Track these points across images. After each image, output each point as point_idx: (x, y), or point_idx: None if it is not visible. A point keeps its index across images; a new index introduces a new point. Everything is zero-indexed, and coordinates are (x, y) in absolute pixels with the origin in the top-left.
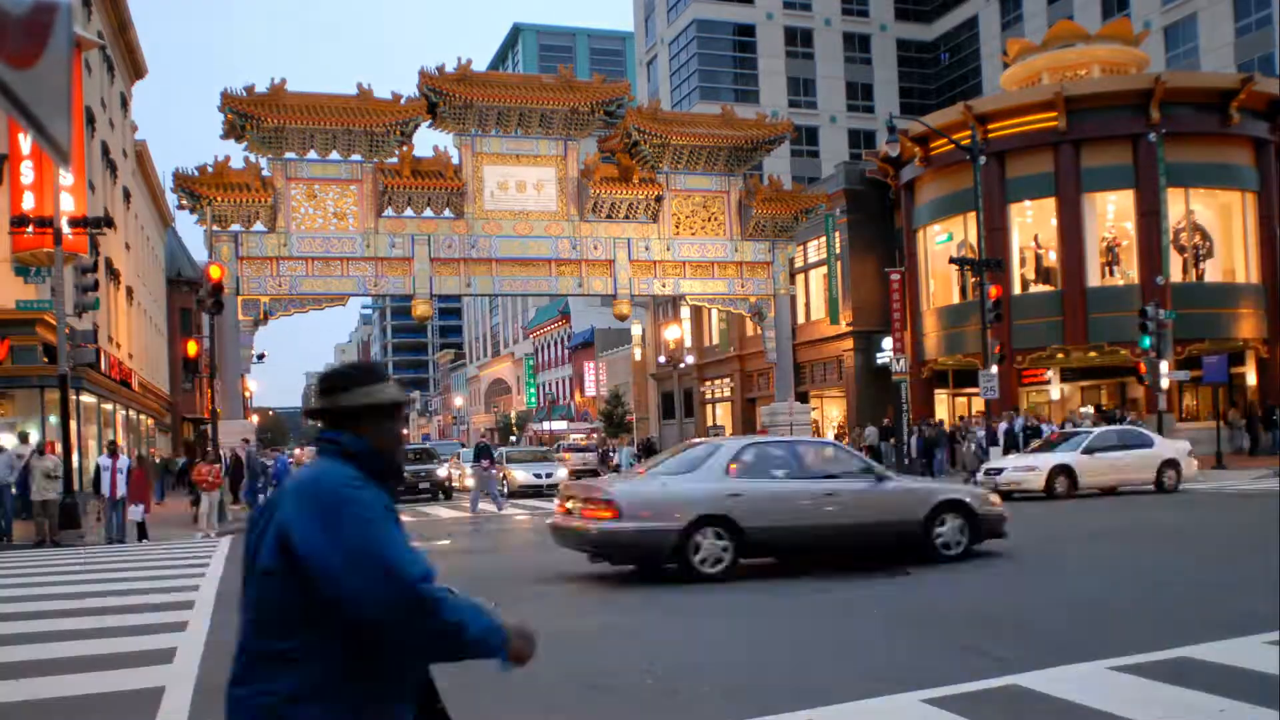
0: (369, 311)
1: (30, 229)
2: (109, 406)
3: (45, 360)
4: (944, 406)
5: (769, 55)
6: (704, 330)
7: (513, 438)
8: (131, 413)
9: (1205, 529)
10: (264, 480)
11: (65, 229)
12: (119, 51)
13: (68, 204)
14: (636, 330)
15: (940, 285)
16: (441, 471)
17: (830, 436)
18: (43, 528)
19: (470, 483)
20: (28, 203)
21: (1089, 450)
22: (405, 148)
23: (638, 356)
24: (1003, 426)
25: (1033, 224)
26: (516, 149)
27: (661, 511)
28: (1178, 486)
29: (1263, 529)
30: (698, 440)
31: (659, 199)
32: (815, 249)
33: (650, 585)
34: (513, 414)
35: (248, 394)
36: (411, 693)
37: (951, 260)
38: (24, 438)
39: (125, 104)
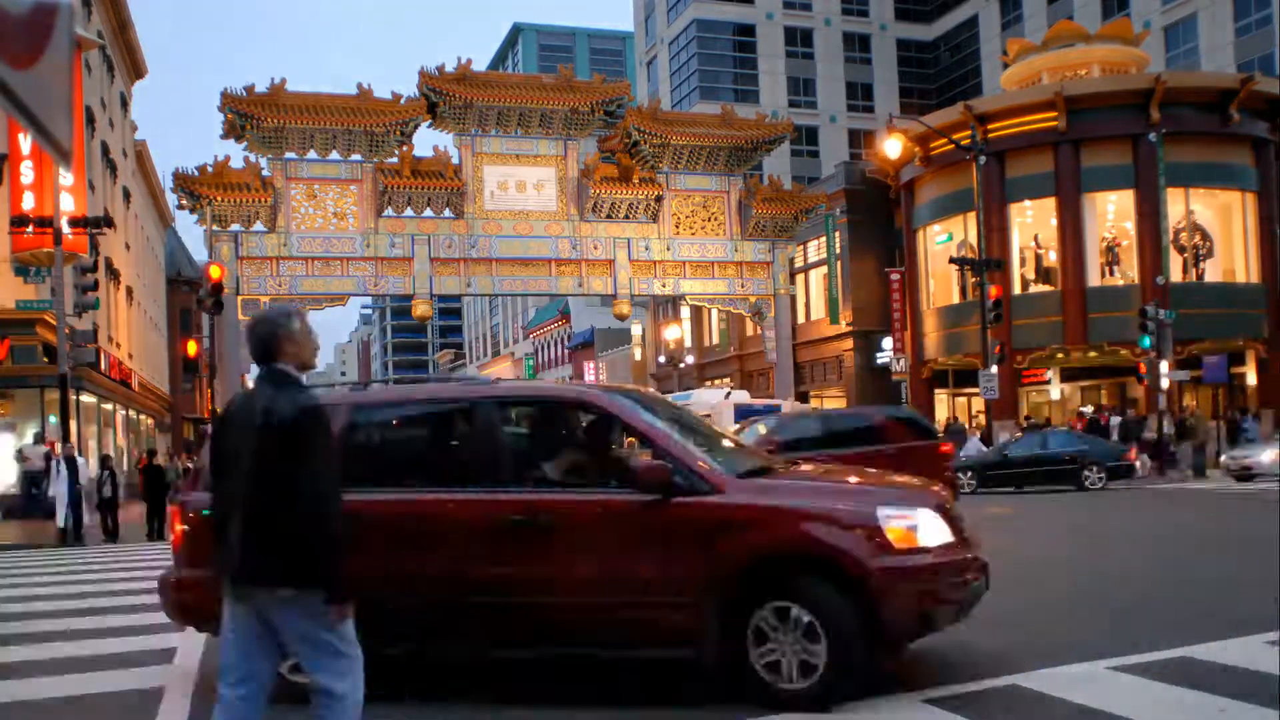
0: (369, 311)
1: (30, 229)
2: (109, 406)
3: (45, 360)
4: (944, 406)
5: (769, 55)
6: (704, 330)
7: None
8: (131, 413)
9: None
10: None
11: (65, 229)
12: (119, 51)
13: (68, 204)
14: (636, 330)
15: (940, 285)
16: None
17: None
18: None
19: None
20: (28, 203)
21: None
22: (405, 148)
23: (638, 356)
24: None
25: (1033, 224)
26: (516, 149)
27: None
28: None
29: None
30: None
31: (659, 199)
32: (815, 249)
33: None
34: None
35: None
36: None
37: (951, 260)
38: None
39: (125, 104)
